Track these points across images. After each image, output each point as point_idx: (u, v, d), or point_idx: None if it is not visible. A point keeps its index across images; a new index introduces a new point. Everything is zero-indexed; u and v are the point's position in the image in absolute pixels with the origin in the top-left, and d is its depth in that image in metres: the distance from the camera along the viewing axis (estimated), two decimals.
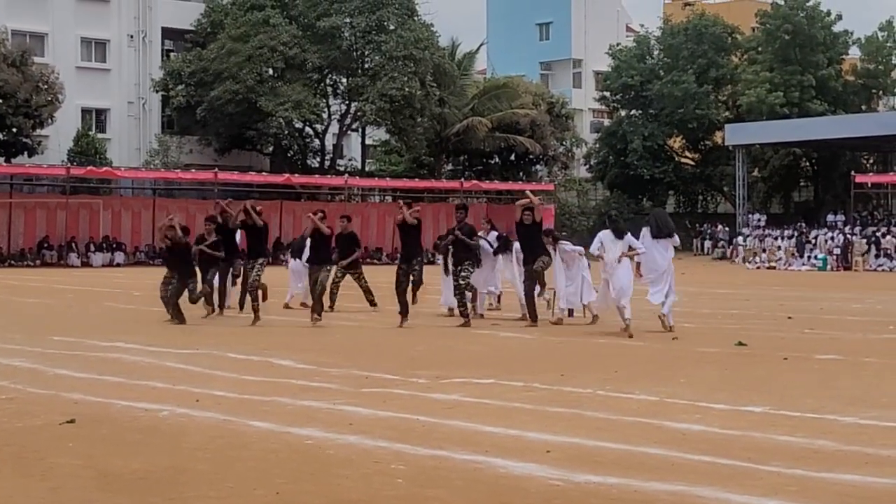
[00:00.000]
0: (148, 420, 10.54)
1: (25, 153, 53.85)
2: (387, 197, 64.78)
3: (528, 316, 20.65)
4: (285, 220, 54.73)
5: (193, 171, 57.25)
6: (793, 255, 57.45)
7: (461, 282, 20.26)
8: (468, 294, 20.84)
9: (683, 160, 75.52)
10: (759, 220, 64.26)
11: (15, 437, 9.67)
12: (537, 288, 20.86)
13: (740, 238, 62.18)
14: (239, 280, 22.51)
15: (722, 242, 64.98)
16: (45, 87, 52.99)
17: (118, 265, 51.46)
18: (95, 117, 61.80)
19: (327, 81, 62.47)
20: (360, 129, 65.32)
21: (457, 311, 20.96)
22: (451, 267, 21.09)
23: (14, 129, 52.60)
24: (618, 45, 75.05)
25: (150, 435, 9.77)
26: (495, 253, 22.18)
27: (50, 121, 53.88)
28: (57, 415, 10.67)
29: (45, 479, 8.08)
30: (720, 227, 66.68)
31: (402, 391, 12.31)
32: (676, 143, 74.92)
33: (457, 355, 16.03)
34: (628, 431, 9.87)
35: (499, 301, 23.67)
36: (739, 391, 12.31)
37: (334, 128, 63.33)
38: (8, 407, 11.28)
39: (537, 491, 7.73)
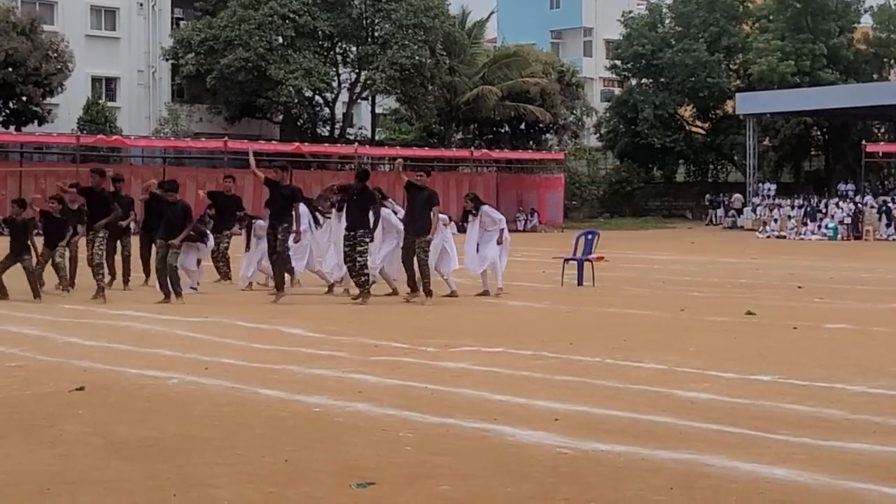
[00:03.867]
0: (157, 388, 10.57)
1: (35, 122, 53.81)
2: None
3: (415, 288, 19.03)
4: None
5: (203, 139, 57.20)
6: (803, 224, 57.35)
7: (359, 258, 18.75)
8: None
9: (694, 129, 75.32)
10: (769, 189, 64.09)
11: (24, 405, 9.70)
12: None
13: (749, 207, 62.11)
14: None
15: (732, 212, 64.83)
16: (55, 55, 52.87)
17: None
18: (105, 86, 61.73)
19: (337, 50, 62.26)
20: (369, 98, 65.15)
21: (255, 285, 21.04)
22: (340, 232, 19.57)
23: (24, 98, 52.56)
24: (630, 12, 74.73)
25: (158, 402, 9.80)
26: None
27: (60, 89, 53.80)
28: (66, 382, 10.70)
29: (53, 446, 8.11)
30: (735, 196, 66.29)
31: (411, 359, 12.32)
32: (687, 112, 74.68)
33: (465, 324, 16.04)
34: (636, 400, 9.87)
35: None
36: (748, 360, 12.30)
37: (344, 96, 63.20)
38: (18, 374, 11.33)
39: (545, 458, 7.74)
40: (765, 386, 10.69)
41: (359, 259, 18.81)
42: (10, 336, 14.29)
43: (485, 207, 20.47)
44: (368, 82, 60.58)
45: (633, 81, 74.39)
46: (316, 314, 17.07)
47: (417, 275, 18.84)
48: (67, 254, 20.30)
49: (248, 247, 21.20)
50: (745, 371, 11.46)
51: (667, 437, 8.35)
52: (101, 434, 8.50)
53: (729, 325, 15.83)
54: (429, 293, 18.80)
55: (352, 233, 18.85)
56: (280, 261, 18.99)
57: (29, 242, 19.32)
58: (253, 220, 21.20)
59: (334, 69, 61.65)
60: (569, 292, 21.42)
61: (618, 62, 73.93)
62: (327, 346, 13.34)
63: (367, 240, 18.90)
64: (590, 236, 23.49)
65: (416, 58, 57.73)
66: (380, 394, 10.15)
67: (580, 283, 22.55)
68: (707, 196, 69.36)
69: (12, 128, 53.50)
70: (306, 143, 58.39)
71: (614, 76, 77.27)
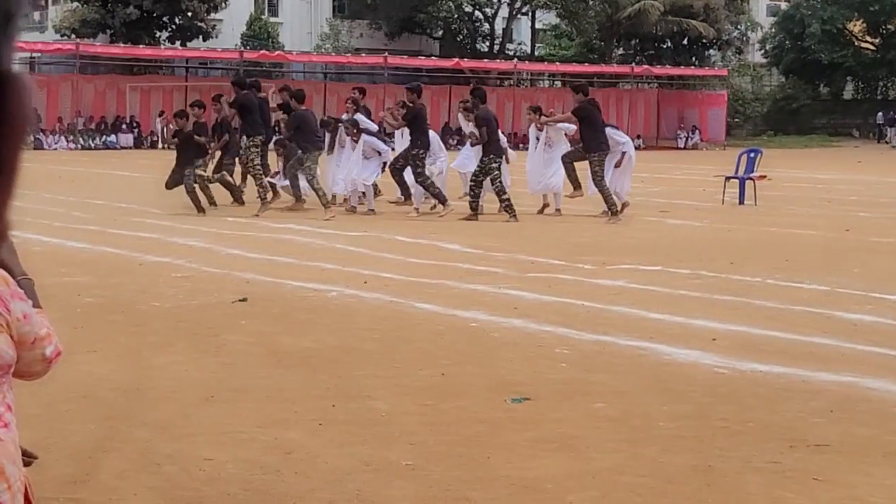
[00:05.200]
0: (317, 300, 10.75)
1: (200, 37, 54.77)
2: (556, 82, 64.24)
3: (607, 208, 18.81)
4: (454, 104, 54.75)
5: (364, 55, 57.49)
6: None
7: (495, 179, 18.55)
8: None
9: (864, 45, 73.01)
10: None
11: (190, 314, 9.97)
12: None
13: None
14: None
15: None
16: None
17: None
18: (268, 1, 62.39)
19: None
20: (529, 13, 64.64)
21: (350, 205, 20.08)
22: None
23: (189, 14, 53.48)
24: None
25: (319, 315, 9.97)
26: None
27: (224, 5, 54.59)
28: (230, 293, 10.96)
29: (218, 355, 8.32)
30: None
31: (568, 276, 12.31)
32: (856, 27, 72.32)
33: (623, 242, 15.93)
34: (797, 321, 9.72)
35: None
36: None
37: (504, 11, 62.82)
38: (184, 285, 11.63)
39: (702, 378, 7.68)
40: None
41: (497, 184, 18.73)
42: (177, 247, 14.67)
43: (608, 130, 19.97)
44: None
45: None
46: (473, 230, 17.14)
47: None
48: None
49: (330, 150, 20.16)
50: None
51: (828, 360, 8.21)
52: (263, 344, 8.70)
53: (895, 247, 15.43)
54: (613, 212, 18.60)
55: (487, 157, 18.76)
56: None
57: (203, 148, 19.25)
58: (338, 123, 20.26)
59: None
60: (730, 211, 21.10)
61: None
62: (484, 262, 13.40)
63: (499, 161, 18.80)
64: (752, 154, 23.07)
65: None
66: (536, 310, 10.17)
67: (741, 201, 22.18)
68: (880, 113, 67.36)
69: (178, 43, 54.53)
70: (465, 59, 58.27)
71: None
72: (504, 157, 19.27)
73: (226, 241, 15.28)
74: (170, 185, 19.54)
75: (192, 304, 10.53)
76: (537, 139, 19.96)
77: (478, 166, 18.81)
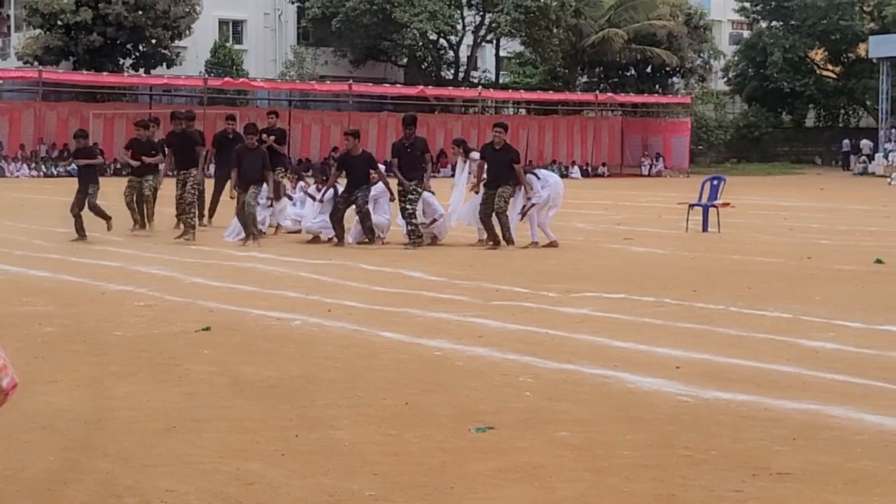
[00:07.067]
0: (280, 329, 10.71)
1: (164, 64, 54.69)
2: (521, 109, 64.44)
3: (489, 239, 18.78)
4: (418, 131, 54.70)
5: (328, 82, 57.55)
6: None
7: (409, 207, 18.55)
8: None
9: (825, 73, 73.68)
10: None
11: (152, 344, 9.90)
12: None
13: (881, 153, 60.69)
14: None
15: (863, 158, 63.40)
16: None
17: None
18: (232, 29, 62.39)
19: None
20: (494, 41, 64.88)
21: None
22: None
23: (153, 41, 53.41)
24: None
25: (282, 344, 9.93)
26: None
27: (187, 32, 54.55)
28: (193, 322, 10.90)
29: (180, 385, 8.27)
30: (864, 141, 64.85)
31: (532, 304, 12.31)
32: (818, 55, 73.02)
33: (587, 269, 15.97)
34: (760, 348, 9.75)
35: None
36: (876, 310, 12.06)
37: (469, 39, 63.02)
38: (146, 314, 11.56)
39: (665, 406, 7.68)
40: (892, 336, 10.48)
41: (409, 209, 18.67)
42: (139, 276, 14.59)
43: (529, 177, 19.21)
44: (493, 25, 60.30)
45: (763, 24, 72.85)
46: (438, 258, 17.13)
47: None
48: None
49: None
50: (873, 321, 11.24)
51: (791, 387, 8.24)
52: (226, 374, 8.65)
53: (857, 274, 15.53)
54: (495, 240, 18.62)
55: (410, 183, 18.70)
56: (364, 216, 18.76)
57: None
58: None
59: (459, 12, 61.45)
60: (693, 238, 21.19)
61: (747, 4, 72.43)
62: (449, 290, 13.39)
63: (419, 193, 18.73)
64: (716, 182, 23.19)
65: (542, 0, 57.23)
66: (500, 338, 10.16)
67: (705, 229, 22.28)
68: (846, 141, 67.88)
69: (142, 70, 54.40)
70: (430, 87, 58.41)
71: (743, 18, 75.80)
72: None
73: (189, 270, 15.22)
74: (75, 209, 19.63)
75: (154, 333, 10.47)
76: (463, 170, 19.78)
77: (401, 194, 18.66)
